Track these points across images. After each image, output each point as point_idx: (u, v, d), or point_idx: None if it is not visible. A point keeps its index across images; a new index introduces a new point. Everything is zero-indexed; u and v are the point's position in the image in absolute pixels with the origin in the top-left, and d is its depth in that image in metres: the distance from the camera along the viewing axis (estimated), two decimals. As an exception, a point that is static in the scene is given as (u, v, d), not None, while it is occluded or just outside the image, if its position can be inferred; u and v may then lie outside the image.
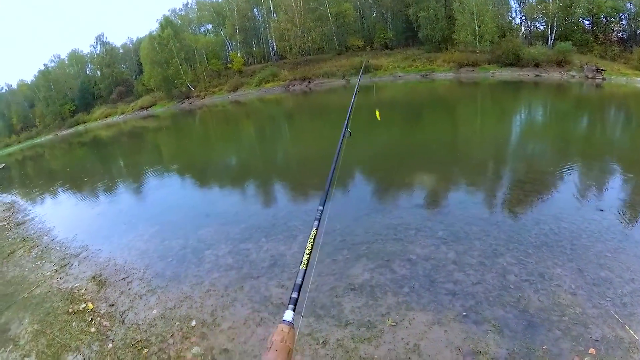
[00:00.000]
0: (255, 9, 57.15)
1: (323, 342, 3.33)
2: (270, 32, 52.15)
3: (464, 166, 7.55)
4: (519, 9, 38.08)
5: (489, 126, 11.38)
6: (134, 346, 3.86)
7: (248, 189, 9.00)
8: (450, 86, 26.11)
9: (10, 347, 4.44)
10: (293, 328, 0.64)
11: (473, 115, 13.74)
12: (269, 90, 41.91)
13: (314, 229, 0.96)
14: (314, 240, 0.89)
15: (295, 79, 41.17)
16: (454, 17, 33.45)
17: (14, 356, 4.26)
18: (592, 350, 2.98)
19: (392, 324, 3.36)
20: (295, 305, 0.67)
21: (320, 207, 1.05)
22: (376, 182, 7.36)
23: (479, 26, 31.24)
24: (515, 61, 29.17)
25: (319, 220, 1.01)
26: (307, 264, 0.81)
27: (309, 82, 39.32)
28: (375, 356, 3.07)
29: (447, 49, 35.36)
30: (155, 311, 4.38)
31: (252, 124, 23.23)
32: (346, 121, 2.01)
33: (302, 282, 0.74)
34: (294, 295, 0.69)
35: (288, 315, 0.71)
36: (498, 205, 5.44)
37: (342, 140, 1.56)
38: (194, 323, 3.99)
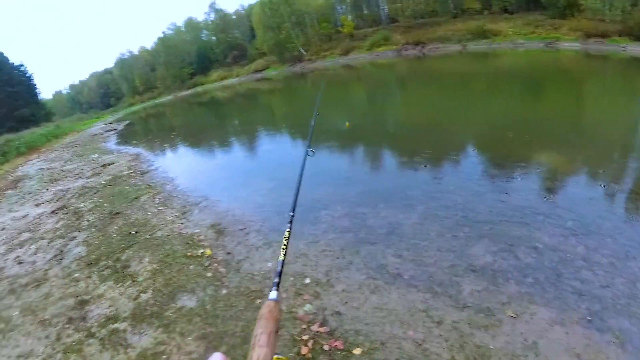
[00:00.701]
0: (365, -30, 55.59)
1: (438, 322, 3.23)
2: (381, -6, 50.60)
3: (592, 151, 6.80)
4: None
5: (620, 109, 10.19)
6: (247, 295, 4.01)
7: (362, 152, 9.05)
8: (577, 58, 23.39)
9: (129, 282, 4.83)
10: (278, 303, 0.78)
11: (602, 94, 12.37)
12: (380, 54, 40.94)
13: (287, 230, 1.10)
14: (288, 240, 1.05)
15: (408, 43, 39.68)
16: None
17: (132, 291, 4.61)
18: None
19: (513, 315, 3.18)
20: (278, 286, 0.84)
21: (291, 213, 1.18)
22: (499, 157, 6.91)
23: None
24: (650, 34, 25.04)
25: (291, 223, 1.14)
26: (285, 256, 0.97)
27: (423, 46, 37.71)
28: (491, 346, 2.93)
29: (572, 15, 31.75)
30: (270, 264, 4.52)
31: (363, 88, 23.04)
32: (308, 140, 2.02)
33: (281, 270, 0.91)
34: (276, 280, 0.86)
35: (273, 294, 0.80)
36: (633, 200, 4.86)
37: (305, 160, 1.61)
38: (307, 281, 4.06)
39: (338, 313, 3.55)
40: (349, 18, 53.27)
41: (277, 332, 0.67)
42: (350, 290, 3.81)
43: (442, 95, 15.27)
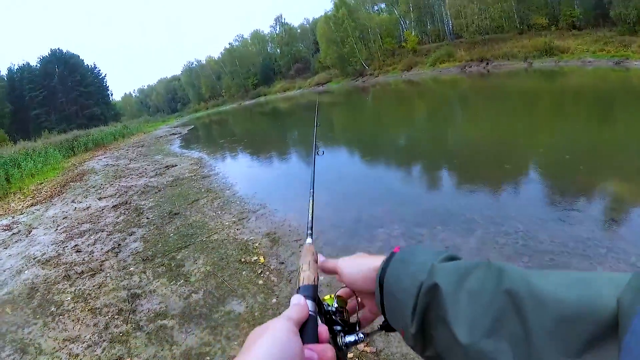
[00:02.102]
0: (429, -15, 55.30)
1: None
2: (445, 10, 50.16)
3: None
4: None
5: None
6: None
7: (422, 170, 8.94)
8: None
9: (182, 281, 4.98)
10: (312, 245, 0.91)
11: None
12: (443, 70, 40.61)
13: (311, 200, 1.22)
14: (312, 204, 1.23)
15: (472, 60, 39.12)
16: None
17: (183, 290, 4.75)
18: None
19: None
20: (311, 235, 1.02)
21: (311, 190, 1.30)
22: (564, 183, 6.64)
23: None
24: None
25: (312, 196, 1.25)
26: (312, 213, 1.19)
27: (487, 63, 37.03)
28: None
29: None
30: (322, 277, 4.55)
31: (424, 104, 22.84)
32: (314, 140, 1.99)
33: (312, 223, 1.11)
34: (309, 231, 1.04)
35: (309, 240, 0.97)
36: None
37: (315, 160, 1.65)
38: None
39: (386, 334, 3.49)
40: (413, 33, 53.05)
41: (315, 261, 0.84)
42: (401, 311, 3.73)
43: (505, 114, 14.90)
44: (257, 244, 5.76)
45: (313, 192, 1.33)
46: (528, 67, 32.53)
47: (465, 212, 5.82)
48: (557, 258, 4.22)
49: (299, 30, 78.88)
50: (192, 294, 4.62)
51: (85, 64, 72.82)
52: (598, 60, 29.03)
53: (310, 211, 1.19)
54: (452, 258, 0.63)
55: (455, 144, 11.14)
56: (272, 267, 4.99)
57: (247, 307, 4.17)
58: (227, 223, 6.87)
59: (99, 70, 75.60)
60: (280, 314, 0.63)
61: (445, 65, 41.88)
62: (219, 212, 7.56)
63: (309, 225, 1.11)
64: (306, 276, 0.77)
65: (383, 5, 64.36)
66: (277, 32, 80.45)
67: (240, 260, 5.29)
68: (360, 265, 0.78)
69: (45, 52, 69.77)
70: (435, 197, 6.99)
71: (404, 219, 5.88)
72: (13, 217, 10.22)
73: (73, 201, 10.77)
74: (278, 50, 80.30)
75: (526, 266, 4.13)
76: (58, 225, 8.68)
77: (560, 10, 39.53)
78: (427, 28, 57.60)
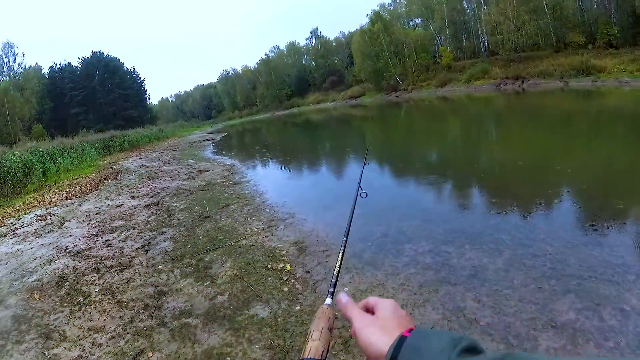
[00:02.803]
0: (465, 2, 55.69)
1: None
2: (481, 26, 49.88)
3: None
4: None
5: None
6: None
7: (452, 189, 8.90)
8: None
9: (208, 282, 5.06)
10: (331, 307, 0.82)
11: None
12: (478, 87, 40.34)
13: (342, 251, 1.11)
14: (342, 258, 1.06)
15: (507, 77, 38.78)
16: None
17: (209, 291, 4.82)
18: None
19: (587, 378, 2.98)
20: (332, 295, 0.87)
21: (344, 239, 1.18)
22: (596, 207, 6.56)
23: None
24: None
25: (344, 246, 1.14)
26: (339, 271, 0.99)
27: (523, 81, 36.62)
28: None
29: None
30: (346, 288, 4.53)
31: (457, 121, 22.68)
32: (359, 180, 1.95)
33: (336, 282, 0.94)
34: (331, 289, 0.89)
35: (328, 301, 0.86)
36: None
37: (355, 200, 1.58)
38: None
39: (407, 350, 3.52)
40: (448, 49, 52.84)
41: (329, 330, 0.75)
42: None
43: (540, 134, 14.70)
44: (284, 252, 5.83)
45: (346, 241, 1.19)
46: (564, 87, 32.03)
47: (493, 232, 5.79)
48: (585, 283, 4.19)
49: (334, 44, 79.58)
50: (218, 296, 4.71)
51: (125, 67, 75.21)
52: (636, 80, 28.42)
53: (338, 264, 1.05)
54: (470, 348, 0.58)
55: (487, 163, 11.07)
56: (297, 275, 5.05)
57: (270, 312, 4.23)
58: (256, 229, 6.97)
59: (138, 74, 78.02)
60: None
61: (479, 83, 41.60)
62: (249, 219, 7.67)
63: (333, 281, 0.98)
64: (314, 347, 0.71)
65: (418, 21, 64.58)
66: (312, 44, 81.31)
67: (267, 266, 5.37)
68: (371, 337, 0.70)
69: (87, 54, 72.13)
70: (464, 215, 6.94)
71: (432, 236, 5.87)
72: (47, 209, 10.58)
73: (106, 198, 11.10)
74: (313, 63, 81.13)
75: (552, 289, 4.15)
76: (91, 220, 8.97)
77: (598, 29, 38.84)
78: (463, 44, 57.42)
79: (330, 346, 0.72)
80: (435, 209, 7.36)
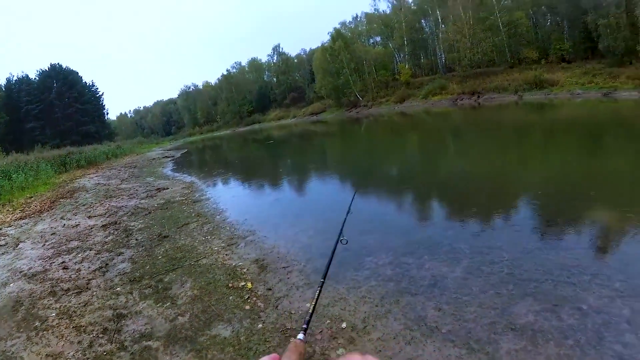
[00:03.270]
0: (423, 21, 57.43)
1: (473, 381, 3.14)
2: (438, 44, 51.49)
3: None
4: None
5: None
6: (282, 332, 4.02)
7: (411, 201, 9.00)
8: (636, 107, 22.67)
9: (168, 303, 4.94)
10: (304, 343, 0.81)
11: None
12: (436, 103, 41.47)
13: (318, 291, 1.12)
14: (317, 299, 1.07)
15: (463, 93, 40.04)
16: (637, 25, 29.36)
17: (170, 312, 4.72)
18: None
19: (549, 376, 3.04)
20: (305, 332, 0.87)
21: (322, 280, 1.19)
22: (551, 213, 6.74)
23: None
24: None
25: (321, 287, 1.14)
26: (314, 310, 0.99)
27: (478, 96, 37.88)
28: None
29: (630, 63, 31.11)
30: (309, 304, 4.45)
31: (416, 136, 23.10)
32: (342, 227, 2.02)
33: (309, 319, 0.94)
34: (305, 326, 0.89)
35: (300, 336, 0.86)
36: None
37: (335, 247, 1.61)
38: (344, 325, 4.03)
39: (371, 360, 3.51)
40: (407, 66, 54.12)
41: None
42: (385, 339, 3.78)
43: (495, 146, 15.16)
44: (245, 270, 5.76)
45: (324, 282, 1.21)
46: (518, 100, 33.30)
47: (452, 242, 5.88)
48: (542, 286, 4.27)
49: (295, 60, 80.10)
50: (179, 317, 4.59)
51: (84, 80, 73.07)
52: (587, 92, 30.04)
53: (314, 302, 1.07)
54: None
55: (445, 176, 11.25)
56: (259, 293, 4.98)
57: (233, 331, 4.16)
58: (216, 248, 6.86)
59: (97, 88, 75.80)
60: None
61: (437, 98, 42.69)
62: (209, 237, 7.55)
63: (306, 318, 1.00)
64: None
65: (378, 39, 65.91)
66: (274, 60, 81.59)
67: (228, 285, 5.28)
68: None
69: (45, 66, 69.69)
70: (423, 227, 7.03)
71: (392, 248, 5.90)
72: (0, 229, 10.13)
73: (62, 218, 10.71)
74: (274, 79, 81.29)
75: (510, 294, 4.22)
76: (46, 241, 8.61)
77: (551, 44, 40.94)
78: (421, 61, 59.07)
79: None
80: (395, 221, 7.41)
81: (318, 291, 1.08)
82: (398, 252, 5.75)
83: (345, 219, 2.34)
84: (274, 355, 0.76)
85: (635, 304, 3.83)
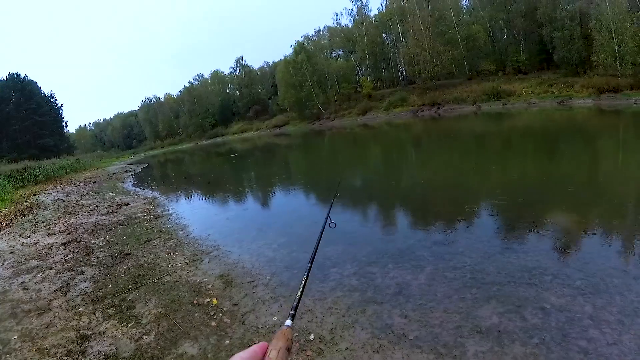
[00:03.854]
0: (384, 35, 58.89)
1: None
2: (399, 57, 52.63)
3: (605, 208, 6.88)
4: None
5: (634, 165, 10.27)
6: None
7: (373, 211, 9.09)
8: (589, 115, 24.00)
9: (133, 323, 4.81)
10: (291, 329, 0.83)
11: (615, 150, 12.49)
12: (397, 114, 42.28)
13: (305, 276, 1.14)
14: (305, 283, 1.10)
15: (424, 104, 41.05)
16: (591, 36, 30.86)
17: (134, 332, 4.59)
18: None
19: (517, 376, 3.10)
20: (293, 318, 0.90)
21: (309, 264, 1.22)
22: (511, 218, 6.99)
23: (618, 46, 28.44)
24: (661, 86, 25.65)
25: (308, 272, 1.17)
26: (301, 294, 1.02)
27: (438, 107, 38.92)
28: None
29: (585, 72, 32.70)
30: (275, 318, 4.49)
31: (379, 147, 23.38)
32: (329, 209, 2.08)
33: (297, 305, 0.96)
34: (292, 312, 0.92)
35: (288, 322, 0.88)
36: None
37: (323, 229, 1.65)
38: (312, 337, 4.02)
39: (340, 371, 3.50)
40: (368, 79, 54.96)
41: (287, 349, 0.74)
42: (353, 348, 3.78)
43: (455, 155, 15.56)
44: (210, 286, 5.68)
45: (311, 266, 1.19)
46: (477, 111, 34.44)
47: (415, 250, 5.97)
48: (505, 288, 4.36)
49: (258, 73, 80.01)
50: (144, 336, 4.47)
51: (42, 91, 70.19)
52: (543, 101, 31.55)
53: (302, 287, 1.06)
54: None
55: (407, 186, 11.42)
56: (225, 309, 4.92)
57: (200, 349, 4.08)
58: (179, 264, 6.72)
59: (56, 99, 72.73)
60: (233, 355, 0.66)
61: (399, 110, 43.55)
62: (172, 253, 7.39)
63: (294, 304, 0.99)
64: None
65: (340, 52, 66.65)
66: (237, 73, 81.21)
67: (193, 302, 5.20)
68: None
69: (3, 76, 66.47)
70: (386, 237, 7.09)
71: (356, 258, 5.94)
72: (-46, 249, 9.60)
73: (21, 235, 10.26)
74: (237, 92, 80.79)
75: (474, 298, 4.28)
76: (5, 260, 8.22)
77: (508, 57, 42.57)
78: (382, 74, 60.17)
79: None
80: (358, 232, 7.43)
81: (305, 276, 1.07)
82: (362, 262, 5.79)
83: (332, 202, 2.33)
84: (262, 343, 0.76)
85: (597, 300, 3.95)
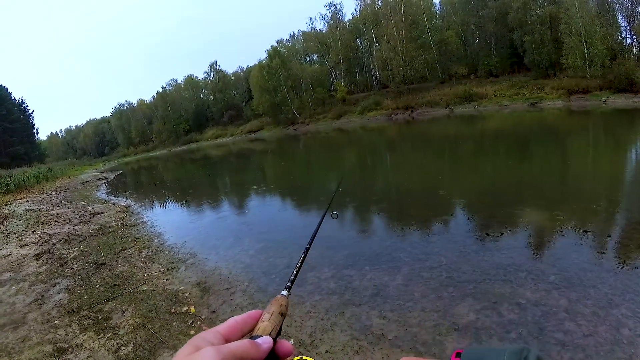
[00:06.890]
0: (358, 39, 59.15)
1: (422, 384, 3.27)
2: (373, 62, 53.01)
3: (577, 205, 7.10)
4: (628, 27, 35.10)
5: (603, 162, 10.63)
6: None
7: (351, 215, 9.09)
8: (560, 115, 24.69)
9: (110, 334, 4.73)
10: (286, 297, 0.85)
11: (585, 149, 12.89)
12: (371, 118, 42.56)
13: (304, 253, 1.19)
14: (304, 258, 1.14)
15: (398, 108, 41.44)
16: (560, 40, 31.82)
17: (112, 343, 4.52)
18: None
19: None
20: (289, 290, 0.92)
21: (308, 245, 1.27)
22: (484, 218, 7.11)
23: (588, 49, 29.39)
24: (629, 86, 26.70)
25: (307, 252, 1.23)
26: (299, 268, 1.06)
27: (412, 111, 39.37)
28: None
29: (555, 75, 33.61)
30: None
31: (353, 151, 23.49)
32: (331, 199, 2.13)
33: (294, 278, 0.99)
34: (289, 284, 0.94)
35: (284, 292, 0.90)
36: (615, 250, 5.01)
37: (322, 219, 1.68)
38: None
39: (321, 374, 3.50)
40: (342, 83, 55.20)
41: (281, 314, 0.73)
42: (333, 351, 3.79)
43: (428, 158, 15.75)
44: (187, 294, 5.63)
45: (309, 247, 1.22)
46: (450, 113, 34.98)
47: (391, 252, 6.03)
48: (480, 286, 4.43)
49: (232, 78, 79.32)
50: (122, 347, 4.40)
51: (13, 97, 68.02)
52: (514, 103, 32.34)
53: (299, 263, 1.08)
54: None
55: (382, 189, 11.52)
56: (203, 316, 4.89)
57: (179, 358, 4.04)
58: (155, 273, 6.64)
59: (27, 106, 70.47)
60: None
61: (373, 114, 43.88)
62: (147, 262, 7.29)
63: (291, 278, 0.99)
64: (262, 327, 0.68)
65: (315, 57, 66.74)
66: (211, 78, 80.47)
67: (171, 311, 5.13)
68: None
69: None
70: (363, 239, 7.16)
71: (333, 262, 5.96)
72: None
73: (-8, 247, 10.02)
74: (211, 97, 79.86)
75: (451, 296, 4.34)
76: (-24, 273, 8.03)
77: (479, 60, 43.52)
78: (356, 78, 60.51)
79: (281, 328, 0.71)
80: (335, 236, 7.43)
81: (304, 255, 1.10)
82: (339, 265, 5.82)
83: (334, 195, 2.34)
84: (257, 310, 0.77)
85: (571, 294, 4.05)
